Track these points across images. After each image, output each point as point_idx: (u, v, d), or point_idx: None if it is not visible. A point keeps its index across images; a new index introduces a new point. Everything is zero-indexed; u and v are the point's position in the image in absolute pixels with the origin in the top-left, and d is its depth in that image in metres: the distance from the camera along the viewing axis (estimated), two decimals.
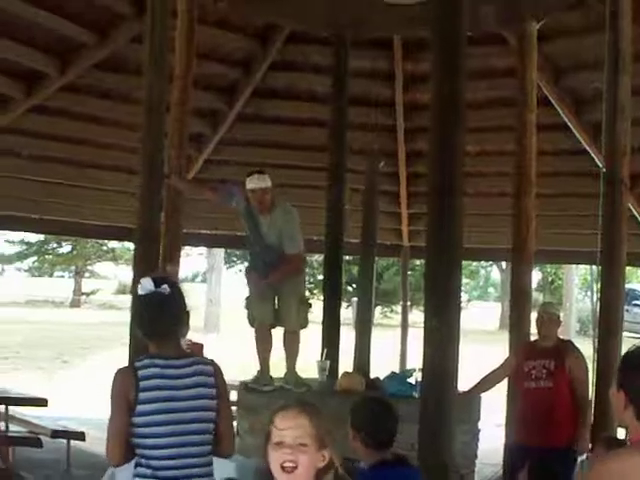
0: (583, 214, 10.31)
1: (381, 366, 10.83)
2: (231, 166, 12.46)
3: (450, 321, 6.25)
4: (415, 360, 12.57)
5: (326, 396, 7.84)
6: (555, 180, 11.49)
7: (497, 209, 11.25)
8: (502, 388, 8.41)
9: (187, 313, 4.08)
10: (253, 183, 7.85)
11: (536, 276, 40.61)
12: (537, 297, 40.40)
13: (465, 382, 7.57)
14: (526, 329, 9.19)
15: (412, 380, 7.87)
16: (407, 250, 14.41)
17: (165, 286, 3.93)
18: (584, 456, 7.49)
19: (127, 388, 3.82)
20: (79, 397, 15.87)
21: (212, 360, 4.09)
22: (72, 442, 10.30)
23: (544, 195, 9.92)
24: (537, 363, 7.25)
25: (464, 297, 40.13)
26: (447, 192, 6.25)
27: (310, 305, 8.20)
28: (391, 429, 4.64)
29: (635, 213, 11.93)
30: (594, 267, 20.63)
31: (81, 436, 10.34)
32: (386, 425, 4.63)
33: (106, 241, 31.83)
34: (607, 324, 7.58)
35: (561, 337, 7.61)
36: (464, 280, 43.45)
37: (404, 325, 15.06)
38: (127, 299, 35.99)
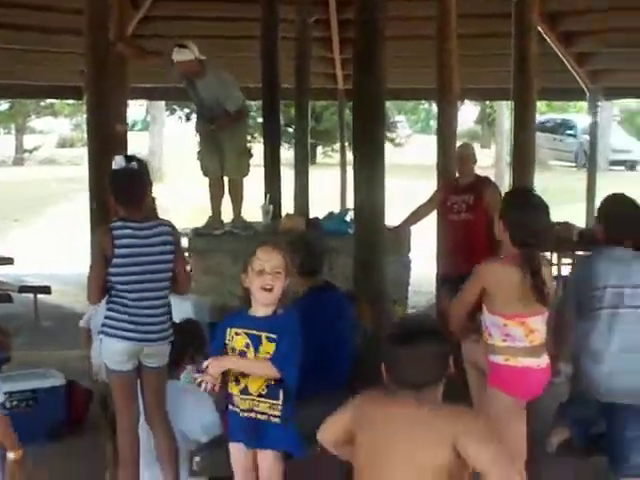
0: (502, 53, 10.78)
1: (323, 205, 11.44)
2: (167, 22, 12.70)
3: (376, 161, 6.82)
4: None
5: (270, 237, 8.48)
6: (476, 21, 11.96)
7: (424, 51, 11.63)
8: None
9: (150, 184, 5.03)
10: (175, 56, 8.36)
11: (475, 111, 41.23)
12: (477, 130, 41.13)
13: (402, 215, 8.31)
14: (453, 164, 9.74)
15: (348, 218, 8.52)
16: (342, 93, 14.92)
17: (134, 163, 4.83)
18: None
19: (105, 245, 4.73)
20: (37, 254, 16.29)
21: (170, 222, 5.01)
22: (38, 296, 10.80)
23: (466, 36, 10.36)
24: (459, 198, 7.88)
25: (405, 132, 40.75)
26: (371, 38, 6.72)
27: (251, 154, 8.80)
28: (319, 258, 5.43)
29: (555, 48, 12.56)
30: None
31: (47, 290, 10.87)
32: (314, 254, 5.34)
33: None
34: (520, 155, 8.22)
35: (479, 173, 8.23)
36: (405, 116, 44.07)
37: (343, 165, 15.69)
38: (68, 153, 36.11)
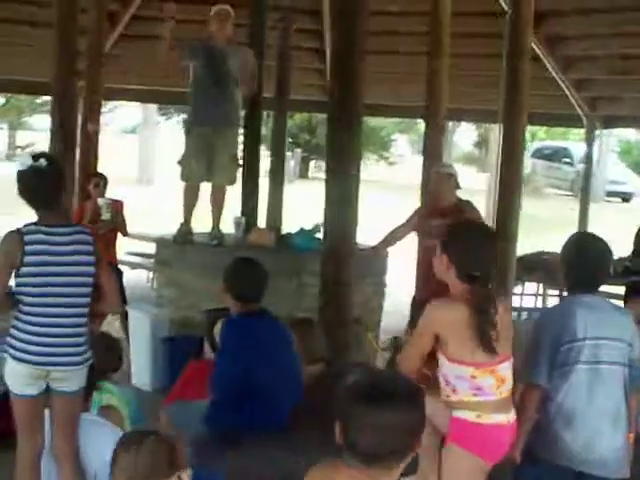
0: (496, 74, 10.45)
1: (311, 220, 11.08)
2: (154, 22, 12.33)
3: (349, 178, 6.47)
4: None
5: (236, 251, 8.09)
6: (469, 41, 11.59)
7: (414, 68, 11.28)
8: None
9: (63, 186, 4.45)
10: (220, 6, 8.20)
11: (473, 134, 40.99)
12: (475, 152, 40.82)
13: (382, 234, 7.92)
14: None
15: (319, 235, 8.12)
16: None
17: (42, 160, 4.29)
18: None
19: (13, 251, 4.22)
20: None
21: (89, 230, 4.54)
22: None
23: (457, 55, 9.99)
24: (437, 222, 7.50)
25: (400, 151, 40.50)
26: (347, 54, 6.40)
27: (239, 163, 8.43)
28: (257, 287, 5.00)
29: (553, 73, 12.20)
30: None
31: None
32: (252, 282, 4.94)
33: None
34: (507, 180, 7.86)
35: (460, 197, 7.86)
36: (406, 135, 43.70)
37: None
38: None
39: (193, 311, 7.94)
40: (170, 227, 9.19)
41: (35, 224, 4.30)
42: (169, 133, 34.31)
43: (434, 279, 7.23)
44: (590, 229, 13.59)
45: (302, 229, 8.33)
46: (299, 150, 31.99)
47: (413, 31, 11.26)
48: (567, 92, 12.67)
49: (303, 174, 31.85)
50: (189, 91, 8.31)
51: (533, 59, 9.43)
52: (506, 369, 3.86)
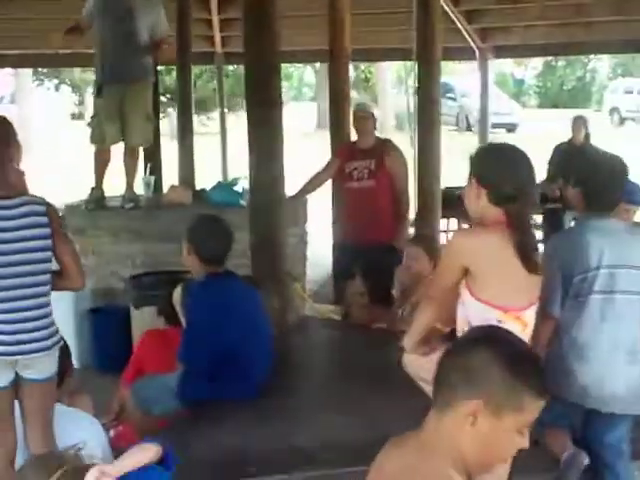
0: (397, 11, 10.28)
1: (205, 176, 10.82)
2: None
3: (273, 126, 6.25)
4: (237, 168, 12.61)
5: (155, 211, 7.83)
6: None
7: (311, 9, 11.03)
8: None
9: (17, 150, 3.96)
10: None
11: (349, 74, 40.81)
12: (352, 95, 40.72)
13: (288, 183, 7.68)
14: (346, 129, 9.22)
15: (238, 189, 7.88)
16: (221, 56, 14.19)
17: None
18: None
19: None
20: None
21: (44, 199, 3.98)
22: None
23: None
24: (358, 164, 7.37)
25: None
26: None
27: (153, 121, 8.08)
28: (225, 246, 4.69)
29: (444, 6, 12.08)
30: (408, 63, 20.92)
31: None
32: (220, 242, 4.66)
33: None
34: (426, 118, 7.73)
35: (379, 136, 7.72)
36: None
37: (223, 133, 14.96)
38: None
39: (114, 279, 7.64)
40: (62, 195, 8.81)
41: None
42: (43, 100, 33.32)
43: (359, 221, 7.21)
44: None
45: (220, 183, 8.07)
46: None
47: None
48: (459, 24, 12.60)
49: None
50: (95, 49, 7.87)
51: None
52: (530, 315, 3.55)
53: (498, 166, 3.50)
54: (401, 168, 7.44)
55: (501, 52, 13.87)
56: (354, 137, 7.93)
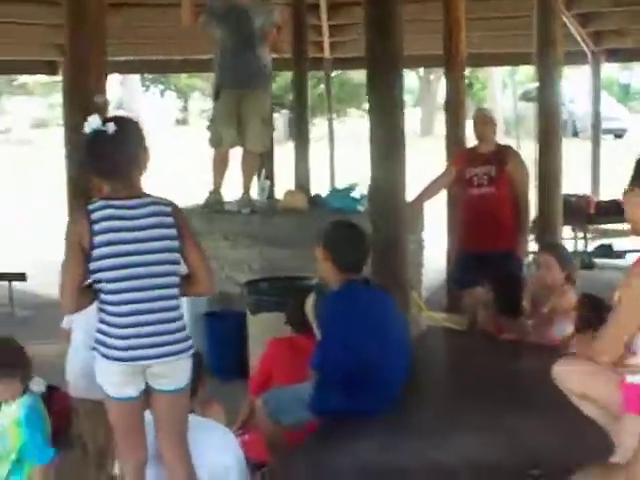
0: (515, 15, 10.11)
1: (313, 182, 10.79)
2: None
3: (395, 131, 6.14)
4: (347, 173, 12.54)
5: (271, 216, 7.82)
6: None
7: (426, 14, 10.91)
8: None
9: (141, 151, 3.81)
10: None
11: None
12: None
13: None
14: (461, 135, 9.13)
15: (355, 194, 7.83)
16: (329, 62, 14.18)
17: (110, 124, 3.70)
18: (530, 258, 7.65)
19: (81, 234, 3.66)
20: (12, 237, 15.49)
21: (170, 200, 3.88)
22: (13, 283, 10.13)
23: None
24: (479, 170, 7.24)
25: None
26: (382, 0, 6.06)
27: (273, 125, 8.09)
28: (363, 254, 4.58)
29: None
30: (514, 68, 20.53)
31: (22, 277, 10.13)
32: (359, 249, 4.56)
33: (17, 75, 30.44)
34: (546, 125, 7.57)
35: (499, 142, 7.60)
36: None
37: (331, 139, 14.93)
38: (44, 133, 35.14)
39: (229, 284, 7.63)
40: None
41: (105, 199, 3.72)
42: (150, 105, 33.78)
43: (480, 228, 7.08)
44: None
45: (335, 189, 8.02)
46: (286, 111, 31.37)
47: None
48: (571, 28, 12.34)
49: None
50: (215, 54, 7.92)
51: None
52: None
53: None
54: (522, 174, 7.29)
55: (613, 56, 13.58)
56: (469, 143, 7.83)
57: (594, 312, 5.33)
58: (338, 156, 14.66)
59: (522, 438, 3.85)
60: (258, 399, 4.62)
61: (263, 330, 6.69)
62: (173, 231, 3.75)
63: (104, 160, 3.73)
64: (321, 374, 4.36)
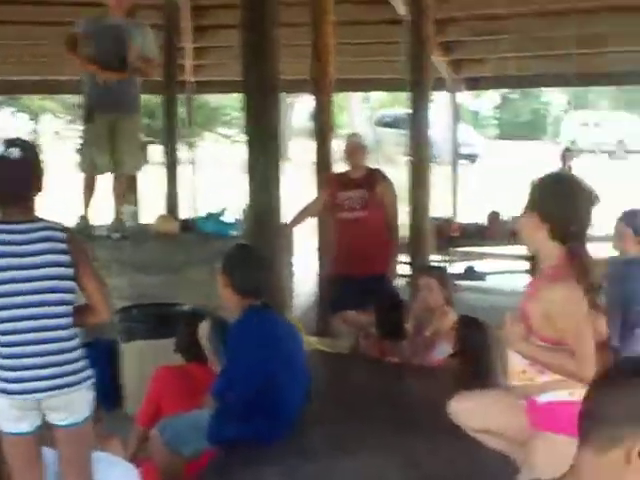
0: (384, 41, 10.24)
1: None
2: None
3: (273, 156, 6.14)
4: (209, 198, 12.43)
5: (142, 241, 7.67)
6: (353, 8, 11.32)
7: (295, 39, 10.97)
8: None
9: (40, 175, 3.70)
10: None
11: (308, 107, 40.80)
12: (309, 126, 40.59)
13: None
14: (329, 161, 9.16)
15: (227, 219, 7.77)
16: (192, 85, 14.06)
17: (14, 149, 3.58)
18: (401, 280, 7.74)
19: None
20: None
21: (65, 226, 3.76)
22: None
23: (342, 23, 9.72)
24: (350, 194, 7.29)
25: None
26: (259, 24, 6.03)
27: (146, 146, 7.93)
28: (263, 277, 4.51)
29: None
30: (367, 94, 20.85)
31: None
32: (258, 273, 4.48)
33: None
34: (418, 151, 7.68)
35: (369, 166, 7.67)
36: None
37: (194, 164, 14.81)
38: None
39: None
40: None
41: None
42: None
43: (353, 252, 7.11)
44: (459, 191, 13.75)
45: (209, 213, 7.93)
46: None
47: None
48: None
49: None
50: (85, 75, 7.70)
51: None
52: None
53: (564, 201, 3.40)
54: (392, 197, 7.39)
55: (472, 84, 13.93)
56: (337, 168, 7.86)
57: (472, 333, 5.45)
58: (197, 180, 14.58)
59: (416, 459, 3.86)
60: (153, 429, 4.48)
61: (136, 358, 6.56)
62: (66, 257, 3.61)
63: (5, 185, 3.62)
64: (221, 402, 4.27)
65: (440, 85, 13.37)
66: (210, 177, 17.28)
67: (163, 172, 10.72)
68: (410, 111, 8.04)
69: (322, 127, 9.12)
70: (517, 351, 3.36)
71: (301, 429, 4.17)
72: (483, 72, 13.25)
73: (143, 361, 6.51)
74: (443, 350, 5.62)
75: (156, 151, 31.82)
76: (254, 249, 4.75)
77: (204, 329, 4.64)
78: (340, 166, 8.30)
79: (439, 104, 14.32)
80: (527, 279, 8.95)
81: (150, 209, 9.42)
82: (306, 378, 4.39)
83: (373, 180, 7.34)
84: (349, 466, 3.82)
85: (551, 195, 3.43)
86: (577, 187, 3.48)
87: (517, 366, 3.40)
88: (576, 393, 3.27)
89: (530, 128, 40.96)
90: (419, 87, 7.68)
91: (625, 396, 2.08)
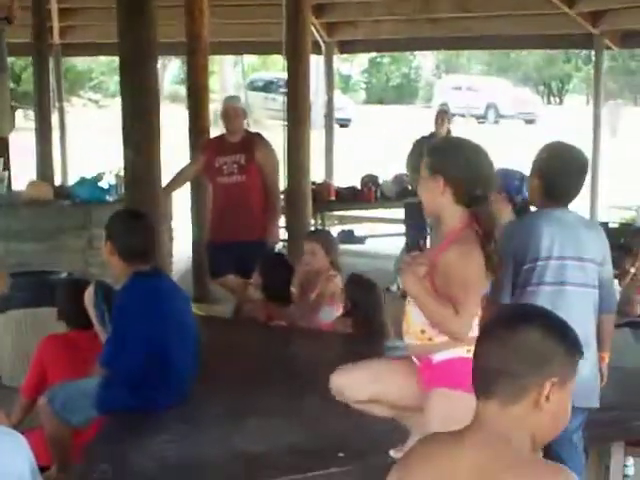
0: (262, 3, 10.16)
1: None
2: None
3: (152, 120, 6.04)
4: (81, 162, 12.17)
5: (16, 208, 7.48)
6: None
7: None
8: None
9: None
10: None
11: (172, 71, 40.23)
12: (177, 90, 40.07)
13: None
14: (206, 123, 9.03)
15: (103, 184, 7.63)
16: (58, 48, 13.68)
17: None
18: (279, 244, 7.72)
19: None
20: None
21: None
22: None
23: None
24: (228, 159, 7.17)
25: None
26: None
27: (14, 110, 7.68)
28: (148, 242, 4.40)
29: None
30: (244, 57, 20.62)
31: None
32: (143, 237, 4.38)
33: None
34: (296, 115, 7.65)
35: (248, 130, 7.59)
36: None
37: (62, 128, 14.44)
38: None
39: None
40: None
41: None
42: None
43: (230, 217, 7.04)
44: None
45: (83, 178, 7.76)
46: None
47: None
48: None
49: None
50: None
51: None
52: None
53: (469, 164, 3.35)
54: (272, 162, 7.30)
55: (345, 47, 13.98)
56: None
57: (363, 291, 5.49)
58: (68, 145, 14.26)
59: (321, 420, 3.86)
60: (42, 397, 4.35)
61: (13, 328, 6.41)
62: None
63: None
64: (111, 370, 4.19)
65: (314, 48, 13.43)
66: (79, 142, 16.92)
67: (33, 137, 10.53)
68: (285, 75, 7.97)
69: (197, 90, 8.96)
70: (408, 288, 3.35)
71: (191, 396, 4.11)
72: (356, 35, 13.33)
73: (20, 330, 6.38)
74: (327, 314, 5.64)
75: (22, 116, 31.15)
76: (138, 214, 4.62)
77: (89, 295, 4.52)
78: (215, 130, 8.21)
79: (312, 68, 14.32)
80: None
81: (22, 176, 9.18)
82: (196, 344, 4.33)
83: (252, 144, 7.24)
84: (241, 431, 3.78)
85: (455, 158, 3.38)
86: (480, 151, 3.47)
87: (416, 325, 3.39)
88: (472, 349, 3.29)
89: (401, 92, 41.39)
90: (297, 50, 7.60)
91: (515, 347, 2.15)
